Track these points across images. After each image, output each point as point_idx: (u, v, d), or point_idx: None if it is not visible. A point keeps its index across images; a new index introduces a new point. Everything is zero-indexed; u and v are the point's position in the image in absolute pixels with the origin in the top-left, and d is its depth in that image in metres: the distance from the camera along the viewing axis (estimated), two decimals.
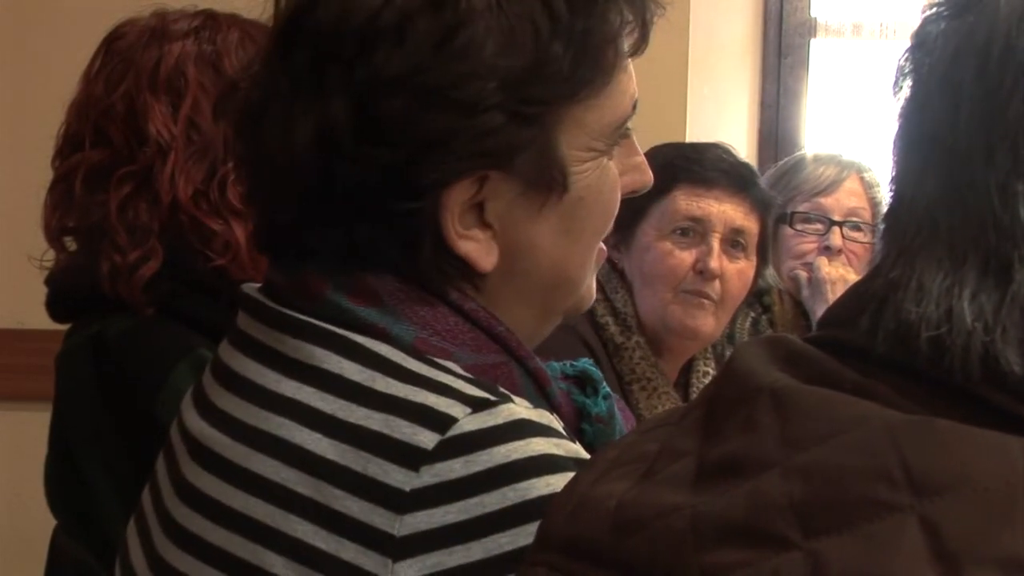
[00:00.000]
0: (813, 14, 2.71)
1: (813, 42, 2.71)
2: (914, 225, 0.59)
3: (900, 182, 0.62)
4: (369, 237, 0.87)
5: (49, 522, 1.42)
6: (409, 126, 0.84)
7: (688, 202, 1.83)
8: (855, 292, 0.63)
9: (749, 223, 1.85)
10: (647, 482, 0.63)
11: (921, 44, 0.61)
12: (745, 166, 1.89)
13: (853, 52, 2.73)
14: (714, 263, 1.81)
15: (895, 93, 0.62)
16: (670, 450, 0.63)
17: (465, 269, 0.89)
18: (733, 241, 1.84)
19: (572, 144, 0.89)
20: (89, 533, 1.35)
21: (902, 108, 0.62)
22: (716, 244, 1.82)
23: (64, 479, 1.39)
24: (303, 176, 0.87)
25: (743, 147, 2.59)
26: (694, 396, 1.90)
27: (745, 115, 2.68)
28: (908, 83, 0.62)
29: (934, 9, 0.61)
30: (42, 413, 1.43)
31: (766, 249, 1.92)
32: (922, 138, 0.60)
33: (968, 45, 0.58)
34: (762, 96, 2.71)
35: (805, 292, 2.14)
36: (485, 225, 0.88)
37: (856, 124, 2.70)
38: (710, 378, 1.92)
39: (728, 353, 2.03)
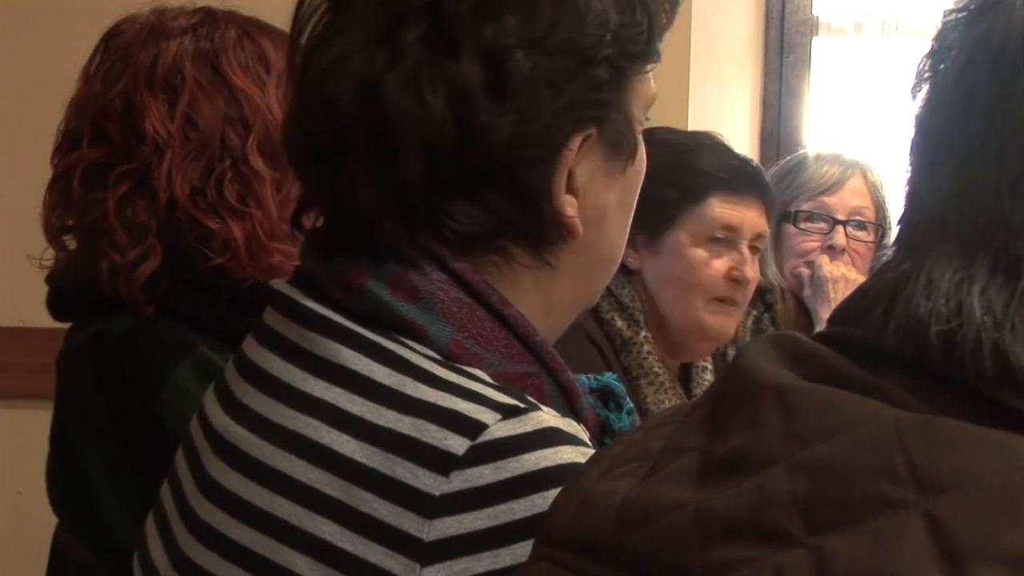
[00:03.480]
0: (815, 12, 2.71)
1: (815, 40, 2.71)
2: (925, 222, 0.60)
3: (914, 181, 0.63)
4: (491, 201, 0.88)
5: (51, 520, 1.42)
6: (540, 76, 0.86)
7: (724, 211, 1.83)
8: (865, 289, 0.63)
9: (767, 227, 1.88)
10: (651, 479, 0.62)
11: (939, 48, 0.61)
12: (758, 168, 1.90)
13: (855, 50, 2.74)
14: (749, 272, 1.84)
15: (913, 97, 0.62)
16: (674, 446, 0.63)
17: (559, 238, 0.91)
18: (754, 246, 1.86)
19: (635, 114, 0.93)
20: (90, 531, 1.35)
21: (919, 110, 0.62)
22: (747, 252, 1.84)
23: (65, 478, 1.39)
24: (438, 139, 0.86)
25: (745, 145, 2.59)
26: (695, 390, 1.91)
27: (747, 113, 2.68)
28: (926, 86, 0.62)
29: (953, 14, 0.61)
30: (44, 411, 1.43)
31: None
32: (936, 137, 0.61)
33: (983, 47, 0.59)
34: (764, 95, 2.71)
35: (807, 291, 2.14)
36: (573, 193, 0.90)
37: (858, 122, 2.70)
38: (708, 372, 1.94)
39: (730, 351, 2.04)
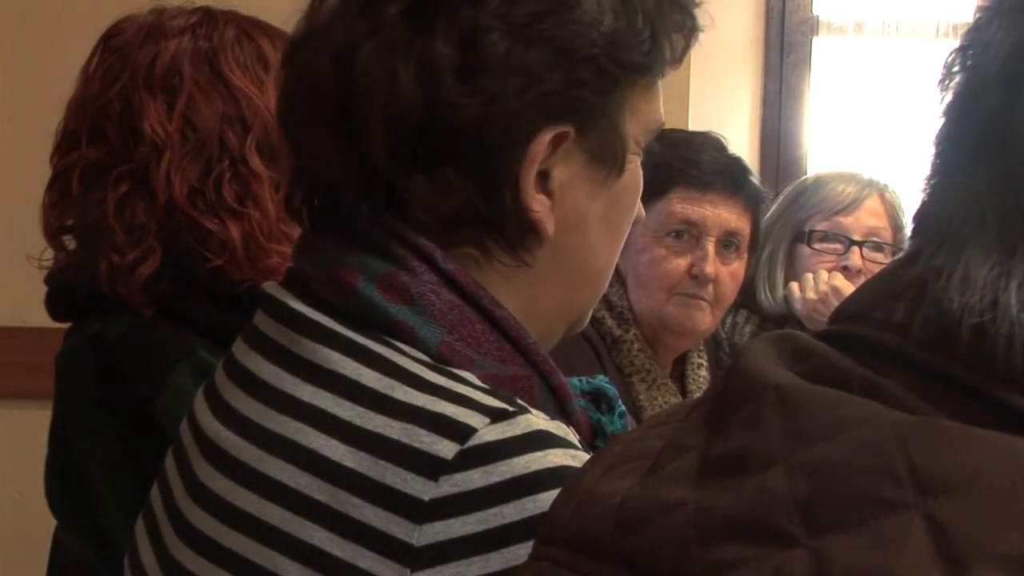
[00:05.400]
0: (815, 12, 2.71)
1: (815, 40, 2.71)
2: (960, 215, 0.59)
3: (943, 174, 0.61)
4: (453, 181, 0.87)
5: (51, 520, 1.42)
6: (513, 62, 0.85)
7: (684, 206, 1.84)
8: (879, 285, 0.62)
9: (742, 224, 1.87)
10: (651, 478, 0.62)
11: (975, 42, 0.60)
12: (738, 164, 1.89)
13: (855, 50, 2.73)
14: (709, 268, 1.83)
15: (941, 91, 0.61)
16: (675, 446, 0.63)
17: (526, 234, 0.90)
18: (726, 242, 1.85)
19: (628, 129, 0.92)
20: (89, 531, 1.35)
21: (949, 104, 0.61)
22: (711, 248, 1.83)
23: (64, 478, 1.39)
24: (403, 113, 0.86)
25: (745, 145, 2.59)
26: (690, 387, 1.92)
27: (747, 113, 2.68)
28: (956, 81, 0.61)
29: (988, 11, 0.60)
30: (44, 411, 1.43)
31: (757, 241, 1.93)
32: (973, 130, 0.60)
33: None
34: (764, 94, 2.71)
35: (797, 304, 2.10)
36: (548, 193, 0.90)
37: (859, 122, 2.70)
38: (704, 369, 1.95)
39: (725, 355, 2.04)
